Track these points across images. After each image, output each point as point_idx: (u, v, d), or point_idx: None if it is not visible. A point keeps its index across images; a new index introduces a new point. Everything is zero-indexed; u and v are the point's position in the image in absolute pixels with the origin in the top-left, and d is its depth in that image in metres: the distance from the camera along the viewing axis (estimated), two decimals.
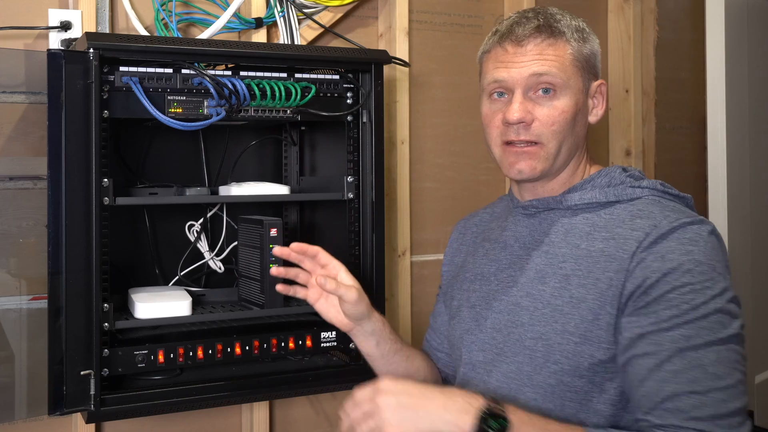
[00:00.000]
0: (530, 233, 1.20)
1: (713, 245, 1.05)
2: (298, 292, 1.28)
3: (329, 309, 1.27)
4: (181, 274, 1.71)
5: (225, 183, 1.69)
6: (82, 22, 1.56)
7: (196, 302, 1.63)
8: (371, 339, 1.28)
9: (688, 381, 0.97)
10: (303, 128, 1.81)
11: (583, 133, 1.21)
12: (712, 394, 0.96)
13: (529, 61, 1.15)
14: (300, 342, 1.56)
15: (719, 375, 0.96)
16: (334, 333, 1.59)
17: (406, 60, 1.88)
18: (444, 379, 1.40)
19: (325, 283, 1.19)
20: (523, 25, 1.17)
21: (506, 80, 1.16)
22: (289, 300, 1.67)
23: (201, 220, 1.72)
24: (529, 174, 1.17)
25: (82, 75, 1.36)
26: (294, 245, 1.26)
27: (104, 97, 1.40)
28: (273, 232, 1.55)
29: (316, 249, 1.26)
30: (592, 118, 1.21)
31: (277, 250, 1.26)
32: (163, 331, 1.58)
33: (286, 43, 1.72)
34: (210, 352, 1.50)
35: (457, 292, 1.30)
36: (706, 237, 1.05)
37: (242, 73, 1.51)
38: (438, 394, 0.99)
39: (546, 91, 1.15)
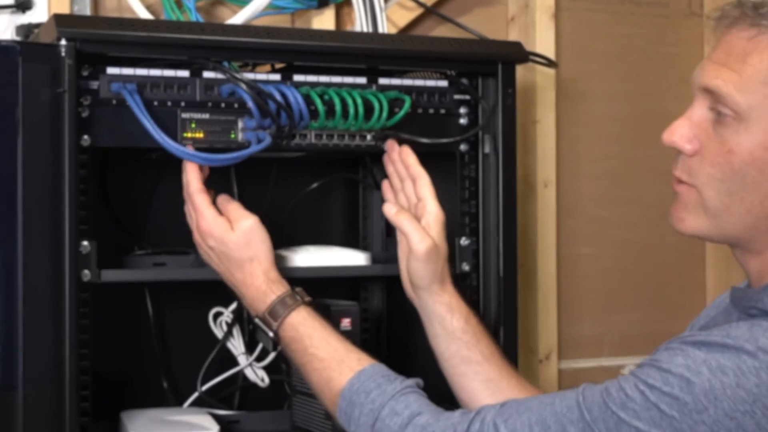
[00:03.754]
0: None
1: None
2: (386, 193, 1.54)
3: (402, 249, 1.46)
4: (203, 389, 1.66)
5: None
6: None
7: None
8: (426, 328, 1.43)
9: None
10: None
11: None
12: None
13: (713, 65, 1.17)
14: None
15: None
16: None
17: (552, 57, 1.86)
18: None
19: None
20: (734, 6, 1.18)
21: (693, 82, 1.20)
22: None
23: (233, 306, 1.67)
24: (677, 226, 1.22)
25: (49, 80, 1.33)
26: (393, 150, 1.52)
27: (83, 114, 1.37)
28: (345, 323, 1.56)
29: (417, 172, 1.49)
30: None
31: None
32: None
33: (365, 31, 1.74)
34: None
35: None
36: None
37: (297, 78, 1.49)
38: (239, 273, 1.39)
39: (721, 115, 1.16)
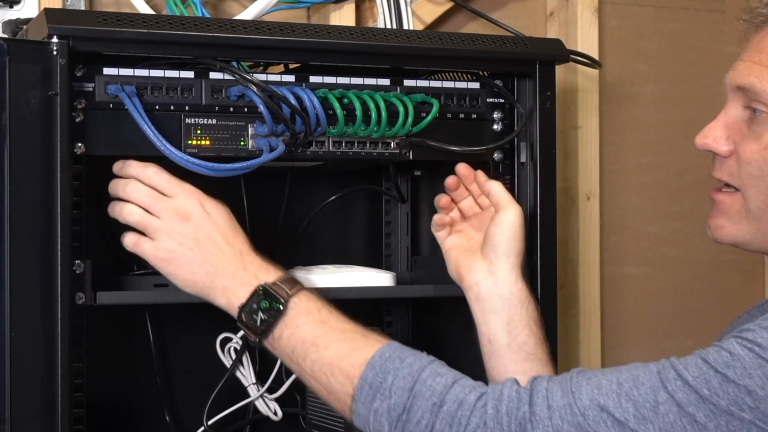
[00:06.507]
0: None
1: None
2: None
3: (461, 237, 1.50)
4: (209, 423, 1.64)
5: (285, 266, 1.50)
6: None
7: None
8: (497, 314, 1.43)
9: None
10: (418, 173, 1.78)
11: None
12: None
13: (745, 63, 1.26)
14: None
15: None
16: None
17: (595, 56, 1.84)
18: None
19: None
20: (765, 5, 1.26)
21: (725, 84, 1.28)
22: None
23: (242, 332, 1.51)
24: (716, 235, 1.30)
25: (40, 82, 1.33)
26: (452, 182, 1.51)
27: (77, 119, 1.37)
28: None
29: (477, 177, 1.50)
30: None
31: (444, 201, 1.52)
32: None
33: (388, 27, 1.73)
34: None
35: None
36: None
37: (313, 79, 1.49)
38: (236, 261, 1.34)
39: (756, 112, 1.25)
